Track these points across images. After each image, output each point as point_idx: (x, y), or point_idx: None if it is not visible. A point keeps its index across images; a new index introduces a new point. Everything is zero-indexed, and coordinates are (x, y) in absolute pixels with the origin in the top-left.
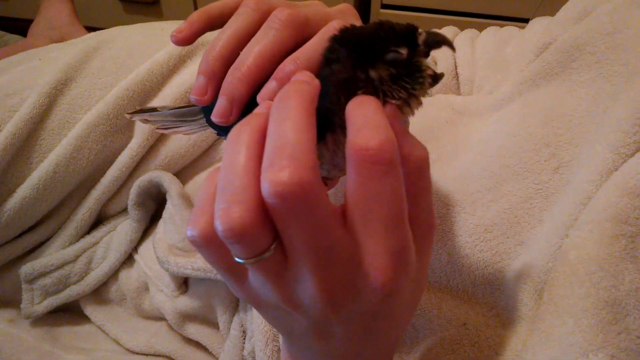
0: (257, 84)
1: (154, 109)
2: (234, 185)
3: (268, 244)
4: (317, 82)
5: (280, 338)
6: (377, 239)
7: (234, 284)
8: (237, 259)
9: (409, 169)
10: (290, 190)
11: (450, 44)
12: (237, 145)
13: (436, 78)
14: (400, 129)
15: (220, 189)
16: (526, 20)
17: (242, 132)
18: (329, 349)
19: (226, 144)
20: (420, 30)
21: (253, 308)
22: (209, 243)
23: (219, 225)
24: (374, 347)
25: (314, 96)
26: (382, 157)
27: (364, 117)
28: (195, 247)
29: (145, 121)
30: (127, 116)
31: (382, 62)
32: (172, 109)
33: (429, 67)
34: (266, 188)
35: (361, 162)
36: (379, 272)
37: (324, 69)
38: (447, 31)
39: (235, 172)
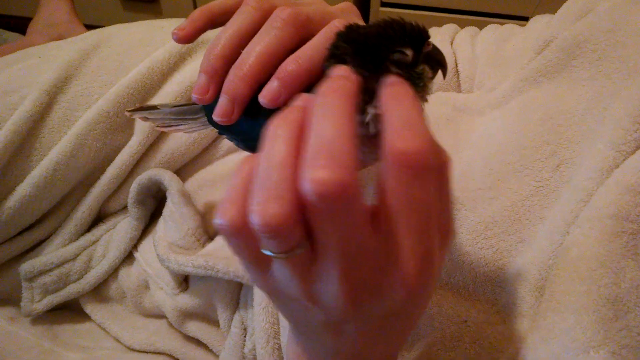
0: (259, 83)
1: (154, 107)
2: (272, 179)
3: (300, 240)
4: (356, 78)
5: (283, 327)
6: (409, 242)
7: (255, 275)
8: (266, 252)
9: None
10: (331, 190)
11: (445, 71)
12: (276, 138)
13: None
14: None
15: (257, 182)
16: (526, 19)
17: (282, 126)
18: (340, 345)
19: (265, 136)
20: (430, 40)
21: (254, 305)
22: (238, 233)
23: (255, 219)
24: (384, 346)
25: (355, 93)
26: (424, 163)
27: (402, 116)
28: (223, 235)
29: (146, 119)
30: (127, 114)
31: (387, 61)
32: (173, 106)
33: (430, 71)
34: (307, 186)
35: (401, 166)
36: (407, 275)
37: (328, 62)
38: (447, 29)
39: (274, 166)
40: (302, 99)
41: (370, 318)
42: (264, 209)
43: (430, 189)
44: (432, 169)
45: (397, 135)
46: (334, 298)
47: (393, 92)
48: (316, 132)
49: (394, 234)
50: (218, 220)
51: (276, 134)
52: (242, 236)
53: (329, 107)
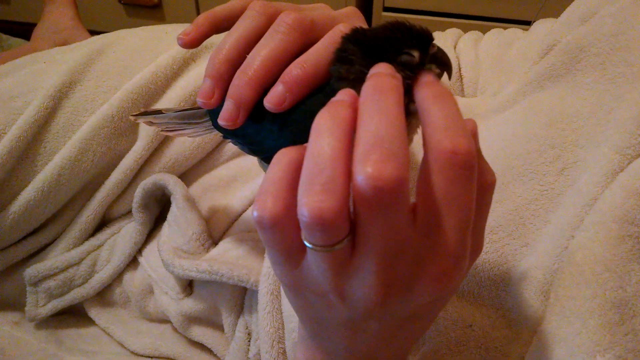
0: (264, 88)
1: (159, 111)
2: (324, 173)
3: (345, 235)
4: (400, 76)
5: (288, 332)
6: (447, 242)
7: (284, 268)
8: (308, 245)
9: (478, 192)
10: (387, 184)
11: (450, 72)
12: (324, 132)
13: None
14: (479, 149)
15: (307, 175)
16: (529, 23)
17: (330, 120)
18: (354, 344)
19: (312, 131)
20: (435, 42)
21: (258, 310)
22: (276, 225)
23: (306, 212)
24: (398, 346)
25: (402, 90)
26: (469, 162)
27: (447, 116)
28: (259, 227)
29: (150, 123)
30: (132, 118)
31: (395, 63)
32: (177, 111)
33: (436, 71)
34: (362, 180)
35: (448, 165)
36: (441, 275)
37: (335, 65)
38: (450, 34)
39: (325, 160)
40: (347, 94)
41: (393, 317)
42: (318, 202)
43: (474, 190)
44: (475, 170)
45: (443, 133)
46: (365, 294)
47: (434, 91)
48: (370, 127)
49: (433, 230)
50: (256, 212)
51: (325, 128)
52: (280, 229)
53: (381, 104)
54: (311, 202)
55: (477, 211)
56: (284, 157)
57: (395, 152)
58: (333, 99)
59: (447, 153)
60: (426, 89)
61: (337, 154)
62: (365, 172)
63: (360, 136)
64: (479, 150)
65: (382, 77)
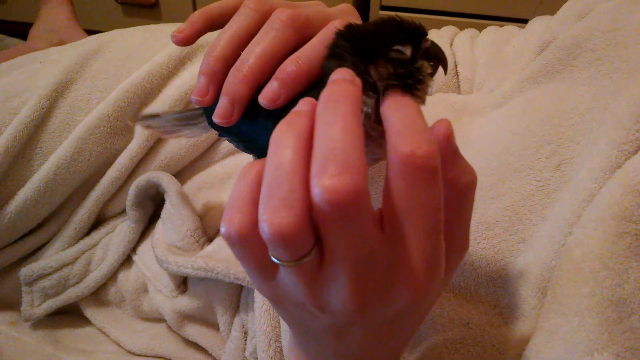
0: (259, 84)
1: (156, 115)
2: (282, 187)
3: (310, 248)
4: (359, 80)
5: (285, 330)
6: (416, 247)
7: (260, 282)
8: (275, 260)
9: (457, 191)
10: (342, 198)
11: (445, 66)
12: (282, 145)
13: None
14: (455, 150)
15: (267, 190)
16: (526, 21)
17: (288, 132)
18: (342, 349)
19: (270, 144)
20: (428, 37)
21: (255, 308)
22: (244, 241)
23: (266, 229)
24: (387, 349)
25: (360, 96)
26: (429, 166)
27: (405, 121)
28: (228, 243)
29: (148, 127)
30: (130, 123)
31: (385, 59)
32: (174, 113)
33: (429, 66)
34: (318, 194)
35: (407, 169)
36: (415, 279)
37: (327, 61)
38: (446, 31)
39: (283, 174)
40: (306, 104)
41: (375, 322)
42: (275, 218)
43: (438, 192)
44: (437, 171)
45: (401, 137)
46: (341, 303)
47: (395, 100)
48: (324, 138)
49: (400, 236)
50: (223, 229)
51: (283, 141)
52: (249, 244)
53: (336, 113)
54: (270, 218)
55: (459, 211)
56: (249, 171)
57: (351, 162)
58: (293, 109)
59: (404, 157)
60: (388, 100)
61: (295, 167)
62: (321, 185)
63: (315, 148)
64: (456, 150)
65: (337, 84)
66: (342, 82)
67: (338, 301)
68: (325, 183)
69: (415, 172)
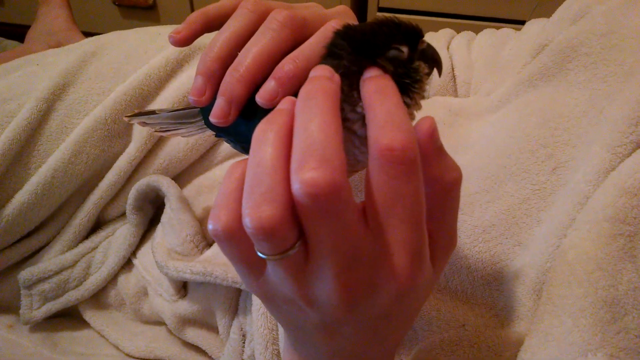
0: (256, 84)
1: (152, 112)
2: (263, 183)
3: (294, 241)
4: (337, 77)
5: (282, 333)
6: (399, 238)
7: (249, 278)
8: (260, 255)
9: (441, 189)
10: (322, 191)
11: (439, 68)
12: (263, 142)
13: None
14: (439, 147)
15: (249, 186)
16: (522, 22)
17: (268, 130)
18: (334, 347)
19: (252, 141)
20: (424, 39)
21: (252, 311)
22: (231, 237)
23: (248, 223)
24: (379, 346)
25: (338, 92)
26: (407, 158)
27: (386, 112)
28: (216, 240)
29: (144, 124)
30: (126, 119)
31: (383, 58)
32: (171, 111)
33: (426, 67)
34: (297, 188)
35: (386, 161)
36: (399, 271)
37: (325, 60)
38: (443, 34)
39: (264, 170)
40: (287, 102)
41: (363, 319)
42: (257, 212)
43: (418, 184)
44: (416, 163)
45: (381, 130)
46: (328, 297)
47: (375, 86)
48: (303, 134)
49: (383, 229)
50: (210, 225)
51: (264, 137)
52: (236, 241)
53: (314, 109)
54: (252, 212)
55: (444, 208)
56: (234, 170)
57: (329, 157)
58: (276, 108)
59: (383, 150)
60: (368, 83)
61: (275, 164)
62: (300, 180)
63: (294, 144)
64: (440, 147)
65: (315, 81)
66: (320, 79)
67: (325, 296)
68: (304, 177)
69: (394, 163)
